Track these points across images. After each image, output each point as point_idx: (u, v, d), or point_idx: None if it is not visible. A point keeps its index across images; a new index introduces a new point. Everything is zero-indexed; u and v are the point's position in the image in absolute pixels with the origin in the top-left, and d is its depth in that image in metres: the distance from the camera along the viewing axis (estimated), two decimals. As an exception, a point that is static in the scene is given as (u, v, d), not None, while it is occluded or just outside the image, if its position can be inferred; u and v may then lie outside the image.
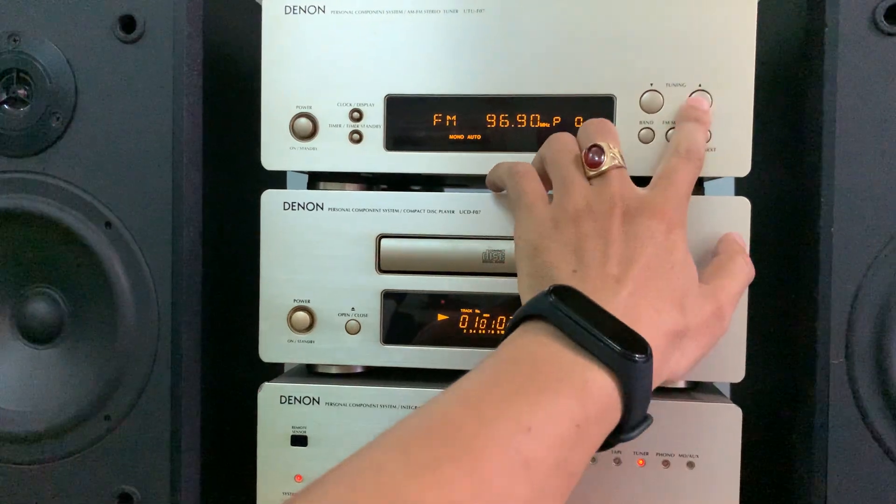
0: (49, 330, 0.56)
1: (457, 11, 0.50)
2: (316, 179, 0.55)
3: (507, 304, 0.51)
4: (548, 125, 0.51)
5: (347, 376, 0.55)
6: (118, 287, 0.52)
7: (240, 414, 0.61)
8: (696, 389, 0.53)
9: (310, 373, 0.56)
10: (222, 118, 0.59)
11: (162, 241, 0.52)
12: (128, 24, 0.52)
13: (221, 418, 0.60)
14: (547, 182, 0.47)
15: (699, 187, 0.52)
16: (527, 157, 0.51)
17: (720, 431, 0.49)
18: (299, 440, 0.52)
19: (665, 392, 0.51)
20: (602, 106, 0.50)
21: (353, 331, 0.52)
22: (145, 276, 0.53)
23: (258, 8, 0.67)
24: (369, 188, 0.55)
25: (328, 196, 0.52)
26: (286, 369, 0.71)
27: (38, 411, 0.54)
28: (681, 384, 0.52)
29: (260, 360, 0.53)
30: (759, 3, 0.49)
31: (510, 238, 0.51)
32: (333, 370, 0.55)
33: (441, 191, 0.60)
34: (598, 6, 0.50)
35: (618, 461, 0.50)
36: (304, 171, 0.53)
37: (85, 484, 0.53)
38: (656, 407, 0.48)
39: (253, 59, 0.63)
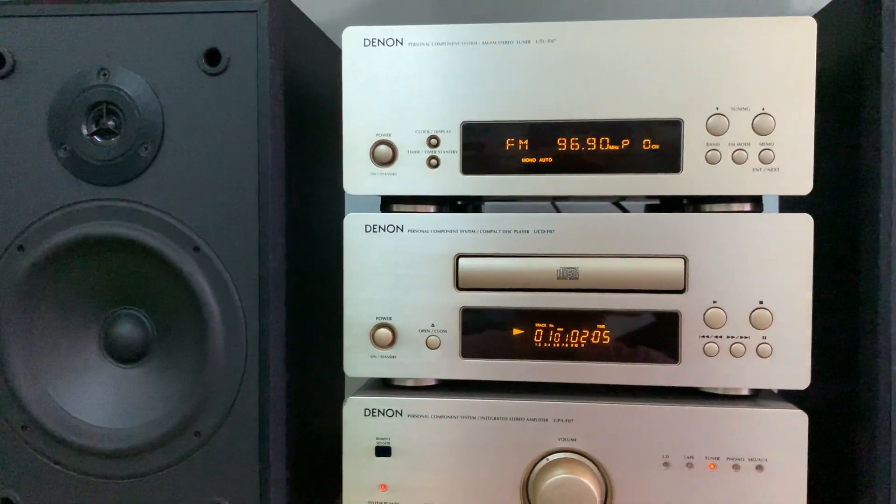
0: (136, 350, 0.58)
1: (529, 42, 0.53)
2: (390, 201, 0.58)
3: (580, 319, 0.54)
4: (617, 148, 0.53)
5: (422, 388, 0.57)
6: (207, 309, 0.55)
7: (320, 426, 0.64)
8: (760, 396, 0.55)
9: (385, 385, 0.58)
10: (300, 144, 0.61)
11: (249, 264, 0.55)
12: (213, 57, 0.55)
13: (304, 431, 0.62)
14: None
15: (758, 205, 0.54)
16: (596, 179, 0.53)
17: (787, 436, 0.52)
18: (383, 451, 0.55)
19: (731, 399, 0.54)
20: (670, 129, 0.52)
21: (433, 346, 0.55)
22: (233, 297, 0.55)
23: (329, 41, 0.69)
24: (441, 208, 0.58)
25: (408, 219, 0.55)
26: (346, 381, 0.74)
27: (132, 428, 0.57)
28: (744, 391, 0.55)
29: (333, 375, 0.56)
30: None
31: (583, 255, 0.53)
32: (409, 382, 0.57)
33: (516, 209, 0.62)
34: (664, 34, 0.52)
35: (690, 465, 0.53)
36: (385, 195, 0.55)
37: (178, 496, 0.56)
38: (725, 414, 0.51)
39: (326, 87, 0.65)
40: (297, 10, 0.59)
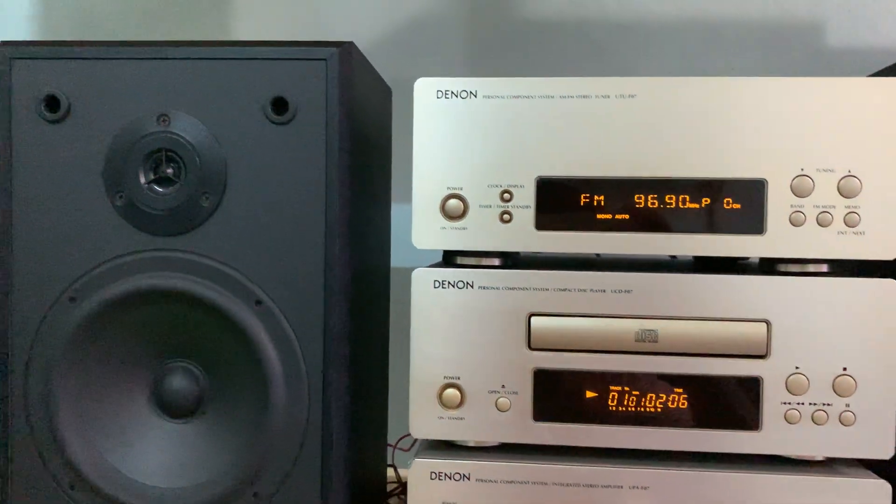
0: (189, 405, 0.56)
1: (609, 97, 0.51)
2: (454, 253, 0.56)
3: (658, 383, 0.52)
4: (697, 206, 0.52)
5: (485, 449, 0.55)
6: (269, 365, 0.53)
7: (369, 483, 0.62)
8: (837, 463, 0.54)
9: (446, 444, 0.56)
10: (358, 193, 0.59)
11: (313, 320, 0.53)
12: (280, 106, 0.53)
13: (360, 491, 0.60)
14: None
15: (841, 269, 0.53)
16: (675, 238, 0.52)
17: (870, 508, 0.50)
18: (449, 515, 0.53)
19: (808, 465, 0.53)
20: (753, 189, 0.51)
21: (503, 408, 0.53)
22: (296, 354, 0.53)
23: (382, 81, 0.68)
24: (506, 261, 0.56)
25: (478, 275, 0.53)
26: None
27: (186, 488, 0.54)
28: (819, 457, 0.53)
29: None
30: (903, 89, 0.50)
31: (663, 318, 0.52)
32: (471, 443, 0.56)
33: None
34: (748, 91, 0.51)
35: (768, 538, 0.51)
36: (455, 250, 0.53)
37: (233, 561, 0.54)
38: (806, 482, 0.50)
39: (378, 129, 0.64)
40: (360, 53, 0.57)
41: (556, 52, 0.92)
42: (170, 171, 0.53)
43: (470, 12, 0.94)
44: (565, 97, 0.52)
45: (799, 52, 0.90)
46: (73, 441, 0.54)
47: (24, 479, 0.55)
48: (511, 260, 0.57)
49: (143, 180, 0.53)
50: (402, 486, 0.84)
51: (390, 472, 0.81)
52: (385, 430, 0.74)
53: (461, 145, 0.53)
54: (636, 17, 0.92)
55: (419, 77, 0.53)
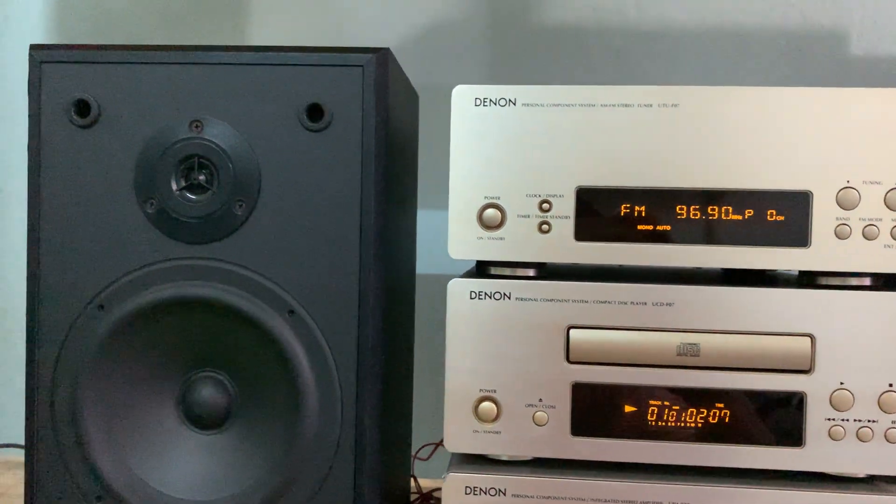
0: (217, 416, 0.55)
1: (651, 106, 0.51)
2: (488, 263, 0.55)
3: (699, 398, 0.51)
4: (740, 218, 0.51)
5: (517, 463, 0.54)
6: (301, 377, 0.52)
7: (401, 499, 0.61)
8: (879, 481, 0.53)
9: (479, 458, 0.55)
10: (392, 203, 0.58)
11: (347, 331, 0.52)
12: (315, 112, 0.52)
13: None
14: None
15: (887, 283, 0.52)
16: (716, 251, 0.51)
17: (917, 527, 0.49)
18: (484, 532, 0.52)
19: (847, 483, 0.51)
20: (798, 201, 0.50)
21: (540, 422, 0.52)
22: (329, 366, 0.52)
23: (411, 86, 0.67)
24: (539, 273, 0.55)
25: (515, 286, 0.52)
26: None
27: (214, 501, 0.53)
28: (861, 475, 0.52)
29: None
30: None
31: (705, 331, 0.51)
32: (504, 457, 0.55)
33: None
34: (793, 102, 0.50)
35: (810, 557, 0.50)
36: (493, 260, 0.52)
37: (263, 576, 0.53)
38: (839, 500, 0.49)
39: (406, 135, 0.63)
40: (395, 60, 0.57)
41: (578, 59, 0.91)
42: (202, 177, 0.53)
43: (490, 19, 0.93)
44: (606, 106, 0.51)
45: (823, 62, 0.90)
46: (100, 452, 0.53)
47: (50, 491, 0.54)
48: (545, 270, 0.56)
49: (174, 187, 0.53)
50: (423, 496, 0.83)
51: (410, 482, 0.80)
52: (409, 439, 0.73)
53: (499, 154, 0.52)
54: (658, 25, 0.91)
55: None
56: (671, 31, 0.91)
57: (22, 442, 1.01)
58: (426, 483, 0.87)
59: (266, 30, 0.96)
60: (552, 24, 0.92)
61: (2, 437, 1.04)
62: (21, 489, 0.88)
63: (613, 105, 0.51)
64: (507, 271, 0.54)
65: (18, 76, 1.02)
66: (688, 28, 0.91)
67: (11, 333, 1.08)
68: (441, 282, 0.94)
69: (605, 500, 0.51)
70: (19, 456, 1.00)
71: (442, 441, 0.85)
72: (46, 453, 0.54)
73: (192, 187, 0.53)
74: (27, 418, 0.54)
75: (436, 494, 0.84)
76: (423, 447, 0.84)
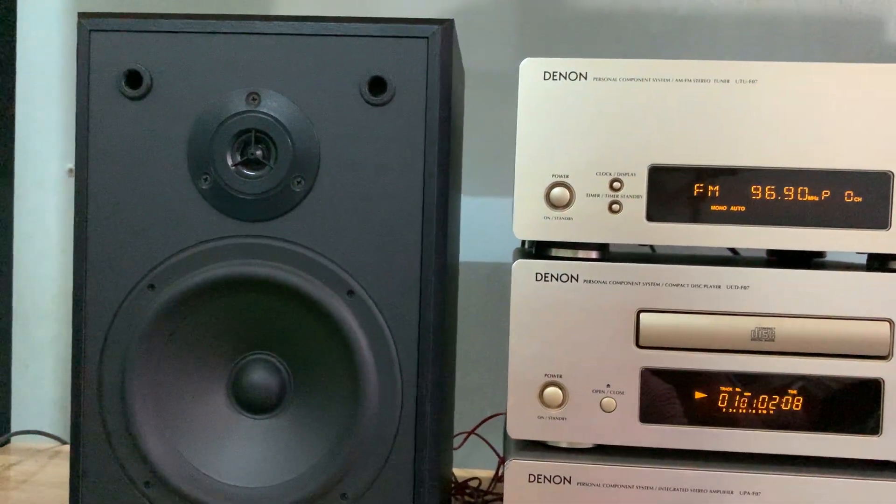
0: (271, 400, 0.53)
1: (728, 81, 0.49)
2: (547, 245, 0.53)
3: (772, 384, 0.49)
4: (816, 199, 0.49)
5: (577, 451, 0.53)
6: (361, 359, 0.50)
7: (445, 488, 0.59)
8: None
9: (538, 445, 0.53)
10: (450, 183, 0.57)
11: (407, 313, 0.50)
12: (378, 86, 0.50)
13: (441, 496, 0.58)
14: None
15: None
16: (793, 233, 0.49)
17: None
18: (548, 520, 0.50)
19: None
20: (878, 182, 0.49)
21: (608, 409, 0.50)
22: (390, 348, 0.50)
23: (461, 61, 0.65)
24: (603, 255, 0.53)
25: (584, 267, 0.50)
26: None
27: (269, 488, 0.51)
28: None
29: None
30: None
31: (781, 315, 0.49)
32: (563, 444, 0.53)
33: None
34: (875, 79, 0.48)
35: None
36: (560, 241, 0.51)
37: (319, 565, 0.51)
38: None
39: (458, 111, 0.60)
40: (455, 31, 0.55)
41: (613, 44, 0.89)
42: (259, 153, 0.50)
43: (521, 3, 0.91)
44: (682, 81, 0.49)
45: (859, 49, 0.88)
46: (148, 436, 0.51)
47: (97, 477, 0.52)
48: (608, 253, 0.55)
49: (230, 162, 0.50)
50: (459, 485, 0.81)
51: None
52: (452, 428, 0.71)
53: (568, 130, 0.50)
54: (694, 9, 0.89)
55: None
56: (707, 17, 0.89)
57: (42, 428, 1.00)
58: (459, 472, 0.85)
59: (294, 8, 0.94)
60: (585, 8, 0.90)
61: (20, 424, 1.02)
62: (44, 476, 0.86)
63: (689, 80, 0.49)
64: (568, 254, 0.52)
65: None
66: (723, 13, 0.89)
67: (28, 319, 1.06)
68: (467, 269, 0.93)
69: (674, 489, 0.50)
70: (40, 443, 0.98)
71: (473, 430, 0.84)
72: (93, 438, 0.52)
73: (248, 163, 0.51)
74: (73, 401, 0.52)
75: (471, 483, 0.83)
76: (456, 435, 0.83)
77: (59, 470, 0.88)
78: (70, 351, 0.52)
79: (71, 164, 1.05)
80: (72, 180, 1.05)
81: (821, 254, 0.61)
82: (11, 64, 0.99)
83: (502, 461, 0.79)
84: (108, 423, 0.52)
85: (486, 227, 0.99)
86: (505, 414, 0.67)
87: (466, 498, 0.79)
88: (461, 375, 0.95)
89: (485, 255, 1.00)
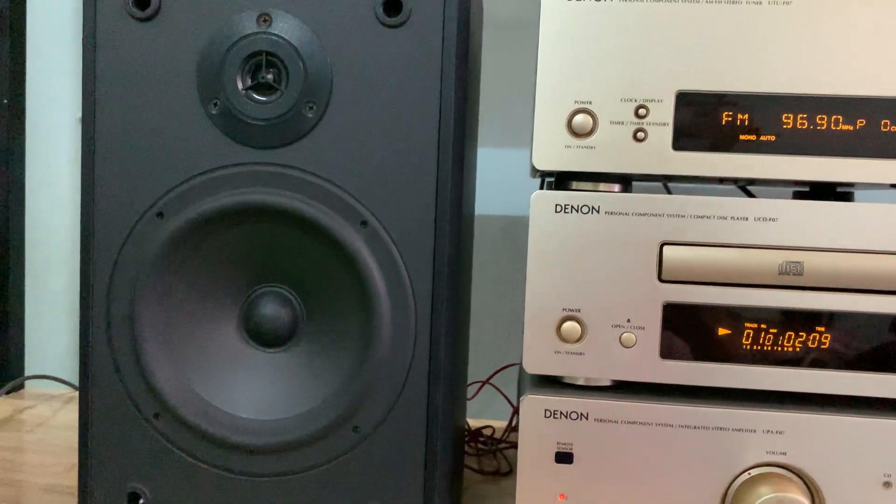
0: (282, 333, 0.52)
1: (760, 3, 0.46)
2: (566, 178, 0.51)
3: (800, 320, 0.48)
4: (851, 128, 0.47)
5: (594, 388, 0.51)
6: (374, 292, 0.49)
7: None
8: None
9: (552, 381, 0.52)
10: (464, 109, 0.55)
11: (422, 244, 0.49)
12: (393, 6, 0.48)
13: (455, 429, 0.57)
14: None
15: None
16: (825, 162, 0.47)
17: None
18: (564, 457, 0.49)
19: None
20: (917, 109, 0.46)
21: (628, 344, 0.49)
22: (403, 280, 0.49)
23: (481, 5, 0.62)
24: (625, 188, 0.51)
25: (605, 199, 0.49)
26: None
27: (281, 421, 0.51)
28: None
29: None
30: None
31: (810, 249, 0.47)
32: (580, 381, 0.52)
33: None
34: (917, 1, 0.46)
35: (887, 485, 0.47)
36: (582, 171, 0.49)
37: (330, 499, 0.50)
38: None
39: (478, 50, 0.58)
40: (472, -45, 0.52)
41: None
42: (270, 77, 0.49)
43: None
44: (712, 2, 0.47)
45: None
46: (158, 368, 0.51)
47: (106, 408, 0.52)
48: (631, 188, 0.53)
49: (240, 86, 0.49)
50: (473, 433, 0.80)
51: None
52: (466, 374, 0.70)
53: (592, 54, 0.48)
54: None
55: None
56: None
57: (55, 374, 1.00)
58: (473, 423, 0.84)
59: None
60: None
61: (34, 372, 1.02)
62: (58, 420, 0.86)
63: (719, 1, 0.47)
64: (590, 187, 0.51)
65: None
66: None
67: (40, 268, 1.06)
68: (481, 222, 0.91)
69: (695, 427, 0.48)
70: (53, 389, 0.98)
71: (487, 380, 0.83)
72: (101, 370, 0.51)
73: (258, 87, 0.49)
74: (81, 332, 0.51)
75: (485, 431, 0.82)
76: (468, 385, 0.82)
77: (73, 415, 0.88)
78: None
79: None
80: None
81: (849, 195, 0.59)
82: (22, 13, 0.97)
83: (516, 411, 0.79)
84: (118, 355, 0.51)
85: (501, 179, 0.98)
86: (519, 364, 0.66)
87: (480, 445, 0.79)
88: (475, 329, 0.93)
89: (500, 208, 0.99)
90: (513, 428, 0.82)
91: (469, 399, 0.81)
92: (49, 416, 0.87)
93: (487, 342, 0.96)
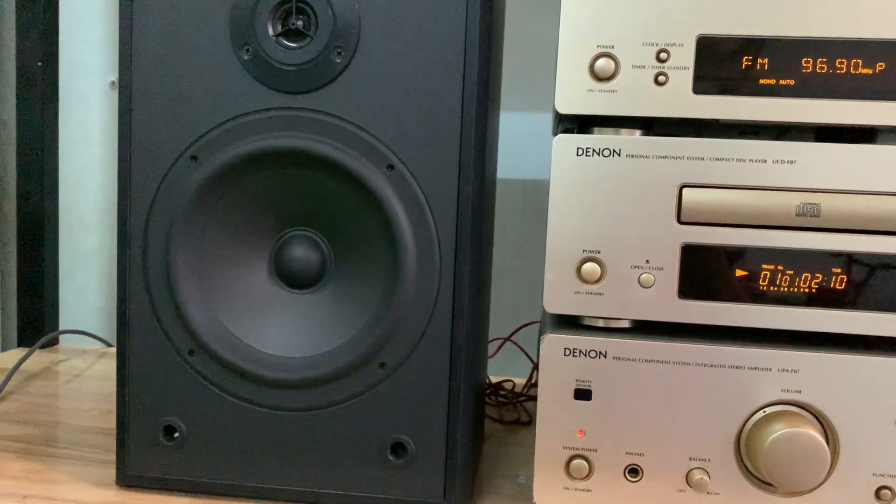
0: (311, 275, 0.54)
1: (782, -54, 0.47)
2: (588, 124, 0.52)
3: (817, 261, 0.49)
4: (870, 72, 0.48)
5: (613, 330, 0.53)
6: (400, 233, 0.50)
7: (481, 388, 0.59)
8: None
9: (571, 324, 0.54)
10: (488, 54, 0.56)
11: (447, 189, 0.50)
12: (420, -47, 0.49)
13: (479, 368, 0.58)
14: None
15: None
16: (845, 106, 0.48)
17: None
18: (583, 394, 0.51)
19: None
20: (938, 52, 0.47)
21: (646, 284, 0.50)
22: (428, 222, 0.51)
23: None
24: (646, 133, 0.52)
25: (626, 141, 0.50)
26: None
27: (310, 357, 0.53)
28: (979, 348, 0.50)
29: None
30: None
31: (827, 191, 0.48)
32: (599, 323, 0.53)
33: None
34: (940, -57, 0.46)
35: (926, 426, 0.48)
36: (604, 114, 0.50)
37: (358, 433, 0.52)
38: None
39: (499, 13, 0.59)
40: None
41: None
42: (300, 23, 0.50)
43: None
44: (734, -53, 0.47)
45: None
46: (192, 306, 0.53)
47: (142, 346, 0.54)
48: (652, 133, 0.54)
49: (271, 32, 0.50)
50: (494, 386, 0.82)
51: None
52: (487, 327, 0.72)
53: (615, -1, 0.49)
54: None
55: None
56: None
57: (88, 329, 1.03)
58: (493, 379, 0.86)
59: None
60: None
61: (67, 327, 1.06)
62: (93, 371, 0.89)
63: (741, -54, 0.47)
64: (611, 132, 0.52)
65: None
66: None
67: (73, 230, 1.09)
68: (502, 186, 0.91)
69: (712, 365, 0.50)
70: (86, 344, 1.01)
71: (508, 337, 0.85)
72: (138, 309, 0.54)
73: (289, 33, 0.51)
74: (119, 270, 0.54)
75: (505, 385, 0.84)
76: (489, 342, 0.83)
77: (106, 367, 0.91)
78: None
79: (113, 77, 1.07)
80: (115, 93, 1.07)
81: (872, 140, 0.59)
82: (54, -27, 0.99)
83: (536, 366, 0.80)
84: (154, 294, 0.53)
85: (522, 144, 0.99)
86: (540, 323, 0.67)
87: (500, 398, 0.81)
88: (498, 289, 0.95)
89: (521, 172, 1.00)
90: (532, 384, 0.84)
91: (491, 356, 0.83)
92: (84, 368, 0.90)
93: (509, 302, 0.98)
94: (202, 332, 0.53)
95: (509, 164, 0.97)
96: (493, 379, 0.86)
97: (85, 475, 0.58)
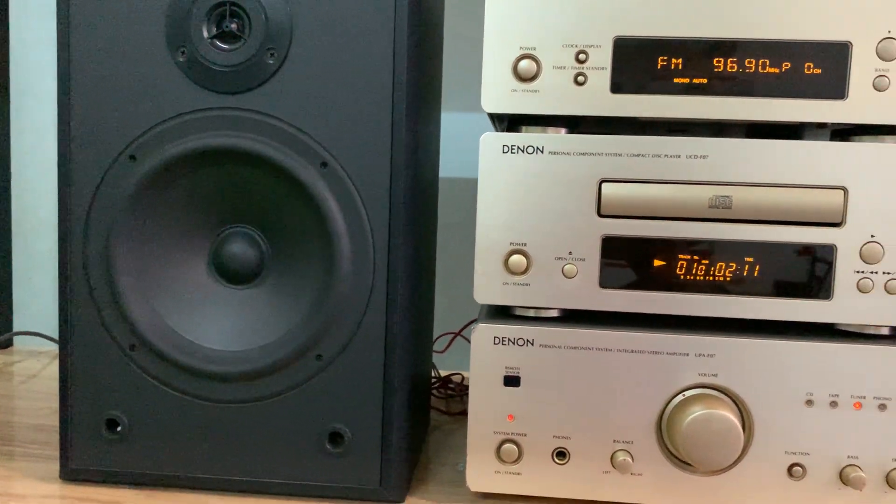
0: (249, 271, 0.56)
1: (692, -48, 0.50)
2: (517, 123, 0.55)
3: (729, 251, 0.51)
4: (777, 71, 0.50)
5: (543, 319, 0.55)
6: (335, 228, 0.52)
7: (425, 381, 0.61)
8: (902, 337, 0.54)
9: (504, 314, 0.56)
10: (420, 53, 0.58)
11: (379, 184, 0.52)
12: (349, -43, 0.51)
13: (416, 358, 0.60)
14: None
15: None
16: (754, 103, 0.51)
17: (940, 377, 0.50)
18: (512, 381, 0.53)
19: (874, 338, 0.52)
20: (836, 53, 0.50)
21: (570, 275, 0.52)
22: (362, 218, 0.52)
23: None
24: (571, 131, 0.55)
25: (549, 139, 0.52)
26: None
27: (248, 350, 0.54)
28: (884, 331, 0.53)
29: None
30: None
31: (738, 184, 0.51)
32: (531, 312, 0.55)
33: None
34: (837, -50, 0.49)
35: (834, 404, 0.51)
36: (527, 114, 0.52)
37: (295, 423, 0.54)
38: (875, 352, 0.50)
39: (438, 10, 0.61)
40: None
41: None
42: (234, 25, 0.52)
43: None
44: (646, -48, 0.50)
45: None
46: (132, 303, 0.54)
47: (84, 341, 0.55)
48: (578, 128, 0.56)
49: (205, 35, 0.52)
50: (443, 379, 0.84)
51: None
52: (431, 331, 0.74)
53: (535, 2, 0.51)
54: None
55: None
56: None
57: (44, 332, 1.03)
58: (443, 373, 0.88)
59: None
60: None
61: (21, 329, 1.06)
62: (46, 372, 0.90)
63: (653, -48, 0.50)
64: (538, 131, 0.54)
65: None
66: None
67: (29, 232, 1.09)
68: (448, 185, 0.93)
69: (632, 351, 0.52)
70: (41, 346, 1.02)
71: (459, 332, 0.87)
72: (80, 305, 0.55)
73: (223, 36, 0.52)
74: (60, 268, 0.55)
75: (454, 378, 0.86)
76: (439, 337, 0.85)
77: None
78: (58, 223, 0.55)
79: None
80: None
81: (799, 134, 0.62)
82: (4, -25, 0.99)
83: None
84: (95, 290, 0.54)
85: (470, 144, 1.01)
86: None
87: (449, 391, 0.83)
88: (446, 287, 0.97)
89: (470, 171, 1.02)
90: (482, 376, 0.85)
91: (441, 352, 0.85)
92: (39, 368, 0.91)
93: (461, 300, 1.00)
94: (143, 328, 0.54)
95: (458, 163, 0.99)
96: (444, 373, 0.88)
97: (31, 470, 0.59)
